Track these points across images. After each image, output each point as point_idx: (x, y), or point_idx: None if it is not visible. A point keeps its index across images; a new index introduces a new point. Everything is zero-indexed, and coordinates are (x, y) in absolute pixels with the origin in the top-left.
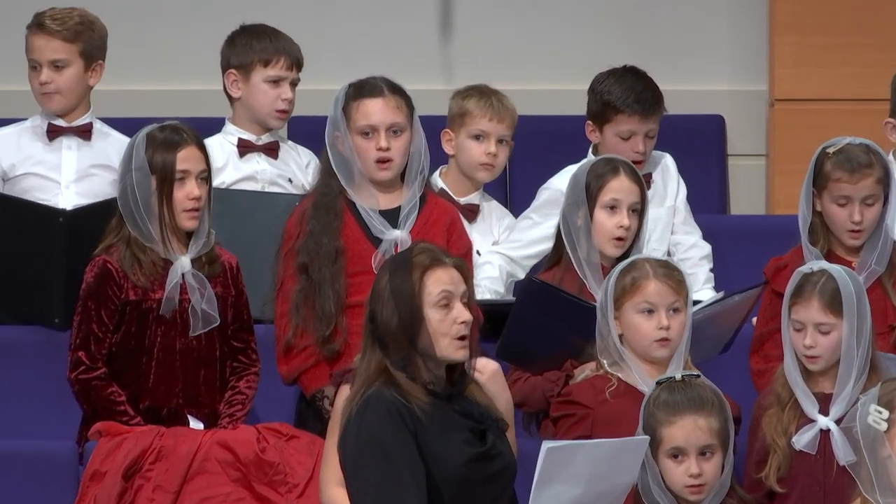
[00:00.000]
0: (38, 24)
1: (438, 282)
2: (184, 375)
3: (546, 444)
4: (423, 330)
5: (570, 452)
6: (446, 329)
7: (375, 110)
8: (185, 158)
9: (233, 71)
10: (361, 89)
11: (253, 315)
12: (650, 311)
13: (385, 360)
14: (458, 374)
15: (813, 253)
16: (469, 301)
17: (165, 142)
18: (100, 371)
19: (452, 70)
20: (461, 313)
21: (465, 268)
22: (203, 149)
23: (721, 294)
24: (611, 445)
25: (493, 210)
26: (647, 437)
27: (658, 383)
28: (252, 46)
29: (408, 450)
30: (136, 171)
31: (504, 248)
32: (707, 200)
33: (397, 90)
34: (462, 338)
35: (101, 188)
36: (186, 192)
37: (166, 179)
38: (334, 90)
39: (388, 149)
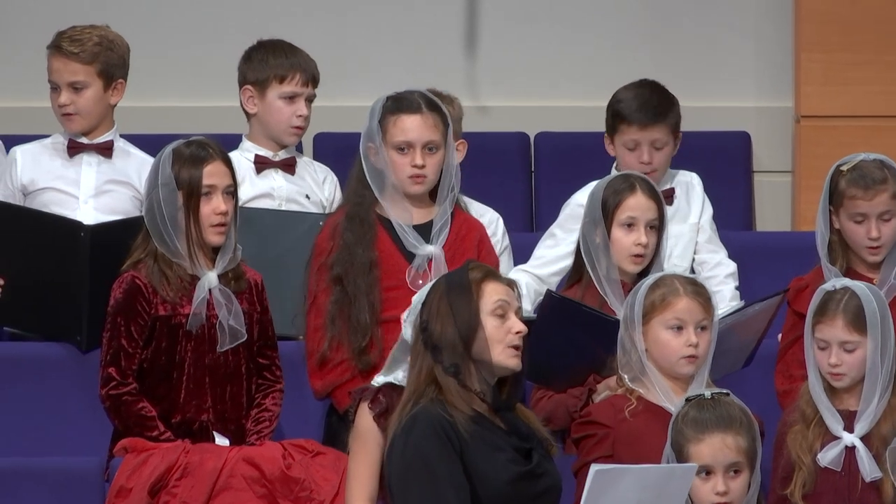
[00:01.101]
0: (56, 46)
1: (495, 291)
2: (212, 391)
3: (594, 467)
4: (480, 335)
5: (618, 476)
6: (501, 336)
7: (413, 127)
8: (212, 173)
9: (249, 87)
10: (399, 103)
11: (279, 332)
12: (679, 328)
13: (436, 366)
14: (508, 389)
15: (832, 272)
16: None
17: (192, 157)
18: (130, 387)
19: (477, 86)
20: (516, 324)
21: (518, 288)
22: (229, 164)
23: (741, 303)
24: (658, 472)
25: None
26: (695, 465)
27: (687, 400)
28: (268, 62)
29: (453, 469)
30: (163, 186)
31: (529, 266)
32: (733, 217)
33: (434, 107)
34: (516, 347)
35: (119, 204)
36: (213, 207)
37: (192, 194)
38: (360, 106)
39: (423, 166)
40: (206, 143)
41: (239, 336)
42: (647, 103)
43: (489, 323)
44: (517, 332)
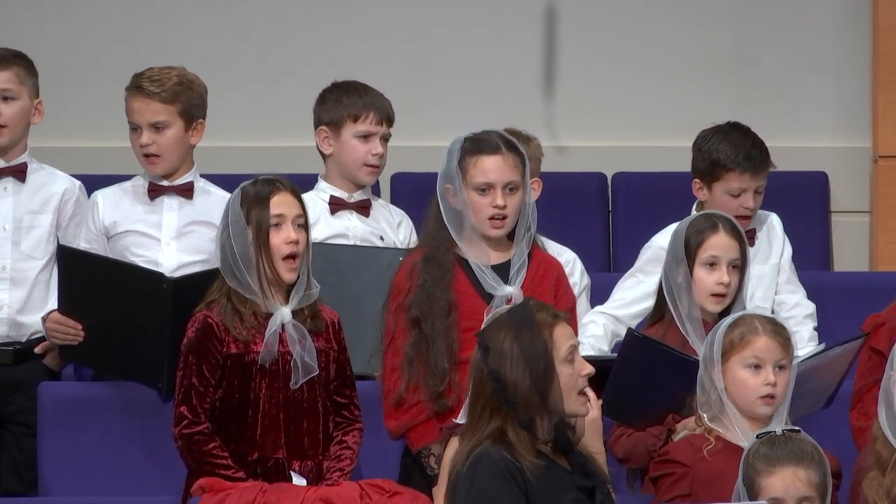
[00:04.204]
0: (136, 87)
1: (564, 336)
2: (287, 427)
3: None
4: (555, 387)
5: None
6: (574, 384)
7: (493, 167)
8: (279, 203)
9: (324, 128)
10: (479, 144)
11: (357, 370)
12: (757, 367)
13: (507, 421)
14: (568, 430)
15: None
16: None
17: (258, 193)
18: (202, 426)
19: (554, 126)
20: (583, 365)
21: (572, 321)
22: (298, 196)
23: (822, 346)
24: None
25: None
26: (765, 503)
27: (758, 437)
28: (342, 102)
29: None
30: (233, 224)
31: (608, 306)
32: (811, 257)
33: (513, 147)
34: (582, 392)
35: (201, 244)
36: (284, 237)
37: (261, 229)
38: (437, 146)
39: (504, 206)
40: (273, 179)
41: (311, 370)
42: (752, 151)
43: (564, 371)
44: (585, 375)
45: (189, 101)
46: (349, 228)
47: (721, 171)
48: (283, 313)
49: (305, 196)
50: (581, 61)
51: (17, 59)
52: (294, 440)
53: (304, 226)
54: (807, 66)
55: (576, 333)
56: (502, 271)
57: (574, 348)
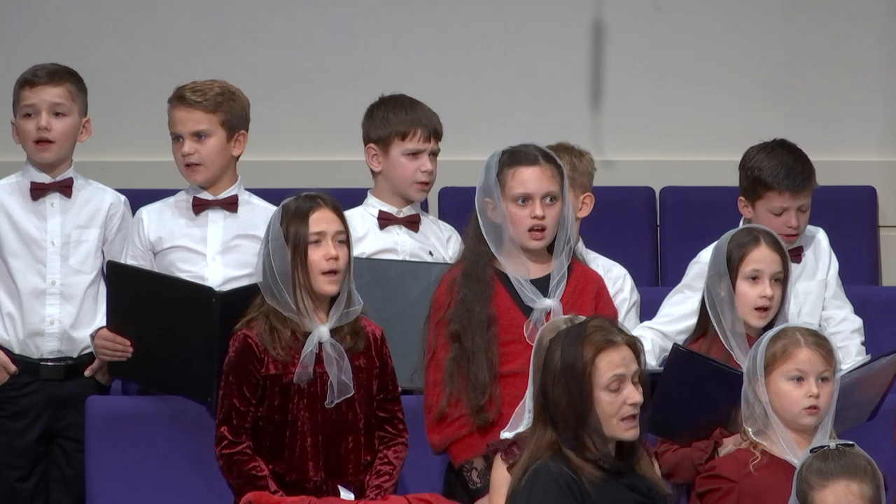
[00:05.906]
0: (178, 97)
1: (611, 365)
2: (326, 447)
3: None
4: (593, 411)
5: None
6: (615, 411)
7: (532, 178)
8: (318, 220)
9: (372, 145)
10: (517, 157)
11: (402, 385)
12: (799, 379)
13: (556, 436)
14: (627, 447)
15: None
16: (640, 379)
17: (297, 210)
18: (242, 446)
19: (602, 141)
20: (631, 394)
21: (637, 345)
22: (339, 212)
23: (867, 357)
24: None
25: (599, 265)
26: None
27: (811, 451)
28: (389, 120)
29: None
30: (272, 241)
31: (656, 322)
32: (858, 272)
33: (551, 159)
34: (632, 417)
35: (246, 258)
36: (323, 253)
37: (299, 245)
38: (484, 161)
39: (543, 217)
40: (314, 196)
41: (346, 392)
42: (793, 170)
43: (603, 398)
44: (632, 404)
45: (231, 111)
46: (398, 243)
47: (762, 190)
48: (321, 332)
49: (354, 211)
50: (628, 76)
51: (69, 76)
52: (332, 462)
53: (346, 242)
54: (855, 81)
55: (642, 353)
56: (542, 285)
57: (621, 377)
